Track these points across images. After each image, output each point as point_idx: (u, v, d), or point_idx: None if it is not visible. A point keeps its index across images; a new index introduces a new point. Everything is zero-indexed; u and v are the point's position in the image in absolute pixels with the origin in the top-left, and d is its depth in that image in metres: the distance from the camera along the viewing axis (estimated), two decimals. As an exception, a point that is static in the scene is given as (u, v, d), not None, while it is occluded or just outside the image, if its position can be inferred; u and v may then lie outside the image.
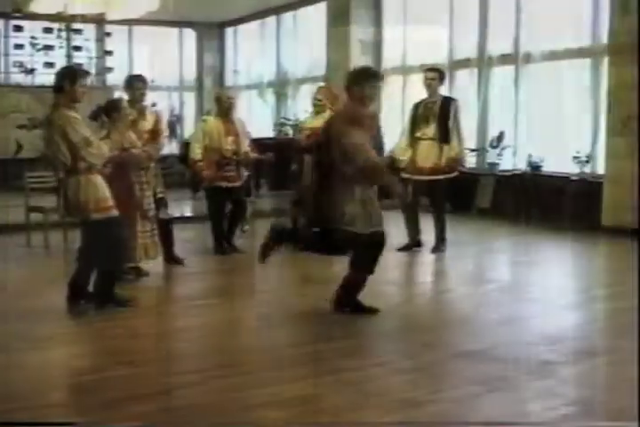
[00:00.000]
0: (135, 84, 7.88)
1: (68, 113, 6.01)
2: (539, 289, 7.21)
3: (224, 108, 8.51)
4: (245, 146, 8.61)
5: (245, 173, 8.72)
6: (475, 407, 4.16)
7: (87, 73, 6.34)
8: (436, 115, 8.62)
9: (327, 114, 8.84)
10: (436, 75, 8.77)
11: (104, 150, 6.18)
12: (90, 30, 16.05)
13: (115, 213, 6.15)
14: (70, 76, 6.10)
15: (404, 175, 8.63)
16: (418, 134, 8.67)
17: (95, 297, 6.18)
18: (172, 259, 7.89)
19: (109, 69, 16.21)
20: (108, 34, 16.15)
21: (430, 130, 8.62)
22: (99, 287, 6.19)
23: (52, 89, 6.17)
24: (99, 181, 6.10)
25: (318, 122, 8.66)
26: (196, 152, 8.34)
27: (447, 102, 8.73)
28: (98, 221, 6.04)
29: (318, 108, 8.79)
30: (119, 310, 6.09)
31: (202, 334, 5.74)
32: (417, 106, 8.84)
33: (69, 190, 6.03)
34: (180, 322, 6.05)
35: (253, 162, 8.79)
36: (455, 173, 8.68)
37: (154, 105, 10.73)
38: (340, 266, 8.02)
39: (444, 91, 9.32)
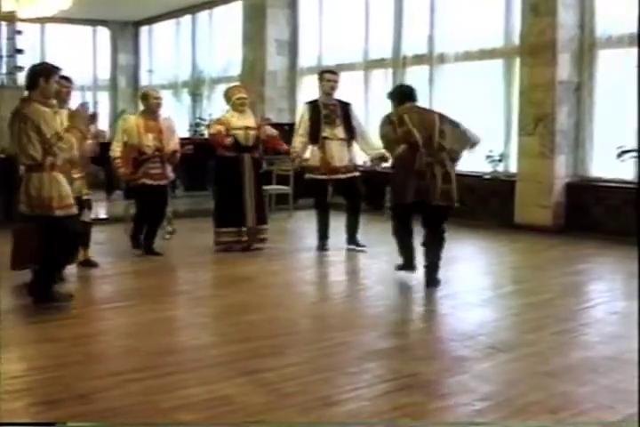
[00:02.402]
0: (62, 83, 7.72)
1: (41, 108, 6.07)
2: (453, 286, 7.30)
3: (151, 107, 8.44)
4: (173, 144, 8.51)
5: (171, 174, 8.61)
6: (390, 405, 4.19)
7: (59, 69, 6.34)
8: (341, 116, 8.79)
9: (249, 112, 8.87)
10: (338, 78, 8.95)
11: (74, 144, 6.20)
12: (0, 28, 15.67)
13: (75, 210, 6.26)
14: (45, 72, 6.15)
15: (319, 176, 8.77)
16: (325, 135, 8.77)
17: (35, 295, 6.19)
18: (87, 262, 7.78)
19: (20, 68, 15.84)
20: (20, 32, 15.78)
21: (339, 131, 8.82)
22: (39, 285, 6.20)
23: (26, 85, 6.20)
24: (61, 178, 6.16)
25: (248, 121, 8.68)
26: (115, 150, 8.29)
27: (345, 105, 8.98)
28: (59, 217, 6.08)
29: (244, 106, 8.76)
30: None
31: (117, 336, 5.67)
32: (315, 107, 8.92)
33: (32, 187, 6.03)
34: (96, 325, 5.96)
35: (173, 156, 8.58)
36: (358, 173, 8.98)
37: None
38: (257, 266, 8.07)
39: (361, 90, 9.45)
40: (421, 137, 6.87)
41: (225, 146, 8.57)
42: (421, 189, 6.86)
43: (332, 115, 8.83)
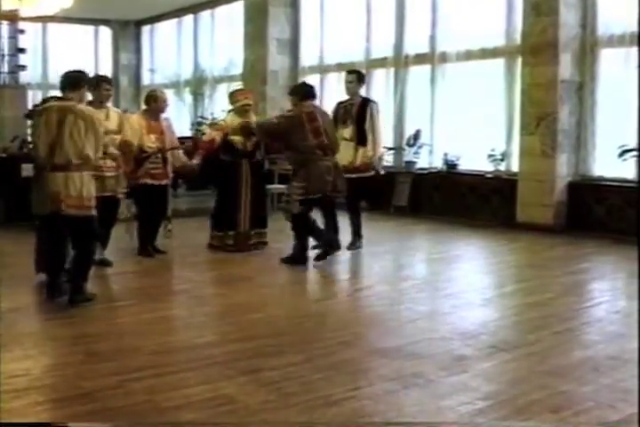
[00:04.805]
0: (103, 85, 7.69)
1: (94, 110, 6.51)
2: (454, 285, 7.31)
3: (158, 108, 8.42)
4: (173, 144, 8.51)
5: (172, 174, 8.61)
6: (392, 404, 4.19)
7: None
8: (354, 116, 8.74)
9: (251, 115, 8.84)
10: (353, 77, 8.91)
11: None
12: (2, 27, 15.67)
13: None
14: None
15: None
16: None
17: (75, 292, 6.30)
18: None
19: (22, 67, 15.86)
20: (22, 31, 15.80)
21: (348, 131, 8.76)
22: (80, 283, 6.34)
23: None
24: None
25: None
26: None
27: (365, 104, 8.84)
28: (93, 217, 6.27)
29: (247, 112, 8.75)
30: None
31: (118, 336, 5.66)
32: (337, 107, 8.94)
33: (73, 186, 6.10)
34: (96, 324, 5.95)
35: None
36: (371, 173, 8.82)
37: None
38: (257, 265, 8.06)
39: (362, 89, 9.40)
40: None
41: (203, 152, 8.72)
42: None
43: (345, 114, 8.81)
